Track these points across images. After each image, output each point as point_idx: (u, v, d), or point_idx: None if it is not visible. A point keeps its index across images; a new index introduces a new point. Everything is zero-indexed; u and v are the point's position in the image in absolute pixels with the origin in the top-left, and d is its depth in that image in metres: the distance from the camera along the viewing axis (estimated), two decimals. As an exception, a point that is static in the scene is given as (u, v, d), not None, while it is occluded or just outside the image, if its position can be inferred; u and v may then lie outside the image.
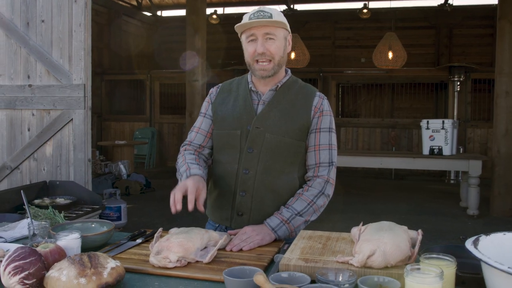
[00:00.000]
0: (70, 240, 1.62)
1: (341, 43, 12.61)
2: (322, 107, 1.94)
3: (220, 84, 2.09)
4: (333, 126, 1.98)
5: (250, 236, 1.77)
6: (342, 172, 10.21)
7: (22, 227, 1.92)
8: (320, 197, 1.91)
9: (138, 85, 12.65)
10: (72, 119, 3.78)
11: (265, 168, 1.91)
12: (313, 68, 10.92)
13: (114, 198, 6.33)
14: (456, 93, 9.83)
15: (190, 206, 1.70)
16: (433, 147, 6.73)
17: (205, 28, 8.64)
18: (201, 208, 1.75)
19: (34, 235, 1.79)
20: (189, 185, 1.74)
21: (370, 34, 11.96)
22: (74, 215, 3.03)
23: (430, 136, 6.77)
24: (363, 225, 1.65)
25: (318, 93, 1.97)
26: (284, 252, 1.65)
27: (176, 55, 11.20)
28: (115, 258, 1.58)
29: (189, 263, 1.59)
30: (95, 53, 11.58)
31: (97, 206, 3.33)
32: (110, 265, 1.41)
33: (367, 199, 8.09)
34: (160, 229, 1.79)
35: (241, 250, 1.72)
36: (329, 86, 11.03)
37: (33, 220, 1.92)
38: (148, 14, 13.59)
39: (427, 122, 6.88)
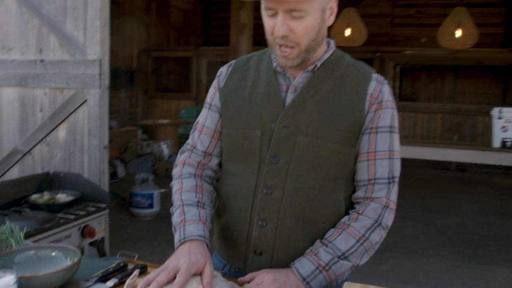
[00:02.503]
0: (-4, 289, 1.09)
1: (400, 21, 11.65)
2: (382, 96, 1.31)
3: (233, 61, 1.46)
4: (396, 123, 1.34)
5: None
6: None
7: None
8: (375, 230, 1.29)
9: (185, 63, 12.22)
10: (86, 100, 3.29)
11: (296, 187, 1.30)
12: (369, 48, 10.08)
13: (147, 184, 5.90)
14: (530, 77, 8.75)
15: None
16: (506, 140, 5.85)
17: (253, 3, 8.00)
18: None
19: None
20: (181, 267, 1.16)
21: (433, 11, 10.92)
22: (73, 216, 2.55)
23: (503, 127, 5.88)
24: None
25: (375, 75, 1.34)
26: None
27: (224, 32, 10.65)
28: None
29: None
30: (143, 29, 11.21)
31: (103, 205, 2.84)
32: None
33: (424, 193, 7.30)
34: (136, 272, 1.23)
35: (253, 311, 1.14)
36: (386, 67, 10.15)
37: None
38: (197, -11, 13.08)
39: (500, 110, 5.98)
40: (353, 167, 1.33)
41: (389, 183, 1.31)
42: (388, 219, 1.32)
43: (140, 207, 5.57)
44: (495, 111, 6.06)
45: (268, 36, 1.27)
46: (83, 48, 3.29)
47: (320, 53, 1.32)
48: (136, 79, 11.50)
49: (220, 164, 1.47)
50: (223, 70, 1.44)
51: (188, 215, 1.30)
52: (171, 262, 1.18)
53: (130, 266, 1.37)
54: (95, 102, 3.28)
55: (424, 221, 5.63)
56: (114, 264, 1.38)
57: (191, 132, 1.48)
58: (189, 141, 1.48)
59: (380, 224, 1.30)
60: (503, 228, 5.45)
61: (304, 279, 1.23)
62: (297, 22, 1.20)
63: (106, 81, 3.30)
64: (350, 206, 1.36)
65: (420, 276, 4.12)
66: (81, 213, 2.68)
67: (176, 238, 1.28)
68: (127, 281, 1.19)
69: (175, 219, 1.32)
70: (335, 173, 1.31)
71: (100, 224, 2.77)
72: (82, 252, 2.79)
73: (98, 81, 3.24)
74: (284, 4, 1.17)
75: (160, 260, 4.18)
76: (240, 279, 1.27)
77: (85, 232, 2.61)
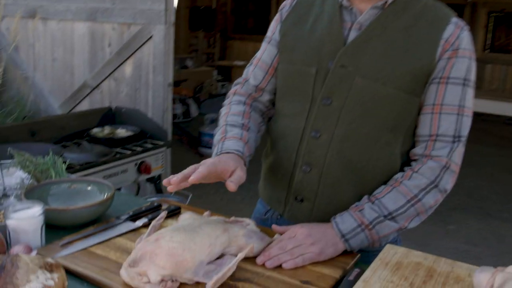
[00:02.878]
0: (21, 220, 1.08)
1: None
2: (459, 43, 1.13)
3: None
4: (473, 76, 1.16)
5: (300, 245, 1.08)
6: (478, 116, 8.80)
7: None
8: (430, 191, 1.14)
9: (265, 3, 11.93)
10: (152, 36, 3.25)
11: (346, 133, 1.18)
12: (460, -8, 9.27)
13: (216, 124, 5.89)
14: None
15: (175, 186, 1.05)
16: None
17: None
18: (231, 187, 1.07)
19: (5, 196, 1.29)
20: (208, 162, 1.10)
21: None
22: (130, 151, 2.56)
23: None
24: (496, 270, 0.87)
25: (454, 19, 1.16)
26: (347, 285, 0.95)
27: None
28: (65, 263, 1.01)
29: (182, 284, 0.97)
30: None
31: (161, 142, 2.83)
32: (31, 287, 0.84)
33: (508, 152, 6.79)
34: (163, 214, 1.17)
35: (280, 266, 1.05)
36: (478, 14, 9.32)
37: (19, 170, 1.41)
38: None
39: None
40: (416, 119, 1.18)
41: (453, 141, 1.14)
42: (448, 182, 1.15)
43: (208, 147, 5.62)
44: None
45: None
46: (150, -18, 3.22)
47: None
48: (215, 19, 11.44)
49: (272, 102, 1.39)
50: (287, 3, 1.34)
51: (230, 133, 1.25)
52: (200, 163, 1.11)
53: (164, 207, 1.32)
54: (160, 38, 3.24)
55: (502, 182, 5.26)
56: (148, 204, 1.34)
57: (247, 66, 1.41)
58: (243, 75, 1.41)
59: (436, 186, 1.14)
60: None
61: (343, 236, 1.12)
62: None
63: (172, 18, 3.23)
64: (407, 162, 1.21)
65: (490, 239, 3.87)
66: (138, 149, 2.70)
67: (213, 154, 1.22)
68: (153, 223, 1.14)
69: (217, 137, 1.28)
70: (393, 123, 1.17)
71: (157, 161, 2.79)
72: (139, 188, 2.84)
73: (163, 17, 3.18)
74: None
75: (212, 203, 4.21)
76: (274, 226, 1.19)
77: (141, 168, 2.64)
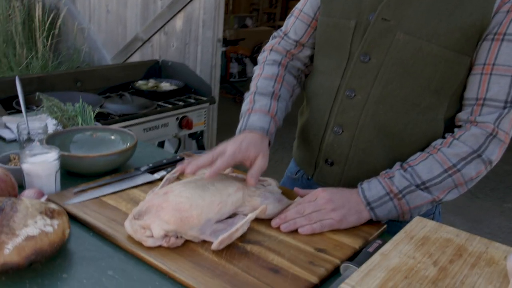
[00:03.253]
0: (35, 164, 1.06)
1: None
2: None
3: None
4: None
5: (320, 210, 1.00)
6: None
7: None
8: (472, 161, 1.01)
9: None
10: (203, -11, 3.18)
11: (384, 94, 1.07)
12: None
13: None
14: None
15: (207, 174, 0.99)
16: None
17: None
18: (251, 182, 1.02)
19: (29, 139, 1.28)
20: (227, 151, 1.02)
21: None
22: (171, 106, 2.53)
23: None
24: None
25: None
26: (365, 257, 0.86)
27: None
28: (74, 211, 0.99)
29: (187, 242, 0.91)
30: None
31: (205, 98, 2.77)
32: (27, 232, 0.81)
33: None
34: (179, 167, 1.12)
35: (296, 231, 0.98)
36: None
37: (46, 116, 1.40)
38: None
39: None
40: (464, 81, 1.05)
41: (504, 107, 1.00)
42: (494, 152, 1.02)
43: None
44: None
45: None
46: None
47: None
48: (278, -22, 11.17)
49: (311, 58, 1.29)
50: None
51: (258, 104, 1.17)
52: (219, 147, 1.04)
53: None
54: (211, -8, 3.16)
55: None
56: (170, 157, 1.29)
57: (287, 17, 1.31)
58: (283, 27, 1.31)
59: (479, 156, 1.01)
60: None
61: (368, 204, 1.02)
62: None
63: (224, -30, 3.13)
64: (452, 129, 1.09)
65: (551, 222, 3.61)
66: (181, 103, 2.66)
67: (238, 127, 1.15)
68: (167, 175, 1.09)
69: (244, 106, 1.20)
70: (438, 85, 1.04)
71: (199, 117, 2.75)
72: (179, 143, 2.82)
73: (215, -31, 3.09)
74: None
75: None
76: (296, 189, 1.11)
77: (183, 123, 2.61)
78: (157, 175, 1.18)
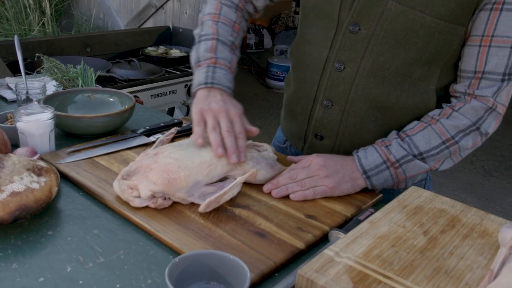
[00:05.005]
0: (29, 123, 1.05)
1: None
2: None
3: None
4: None
5: (313, 176, 0.98)
6: None
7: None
8: (470, 134, 0.98)
9: None
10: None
11: (374, 67, 1.02)
12: None
13: (285, 56, 5.74)
14: None
15: (233, 159, 0.95)
16: None
17: None
18: (252, 130, 1.01)
19: (27, 99, 1.27)
20: (231, 112, 1.00)
21: None
22: (180, 72, 2.50)
23: None
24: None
25: None
26: (355, 225, 0.84)
27: None
28: (65, 170, 0.98)
29: (175, 204, 0.90)
30: None
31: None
32: (13, 188, 0.80)
33: None
34: (173, 130, 1.10)
35: (287, 197, 0.96)
36: None
37: (43, 76, 1.39)
38: None
39: None
40: (458, 52, 1.00)
41: (503, 80, 0.96)
42: (491, 125, 0.99)
43: (275, 79, 5.49)
44: None
45: None
46: None
47: None
48: None
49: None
50: None
51: (221, 55, 1.11)
52: (205, 110, 1.01)
53: (185, 125, 1.26)
54: (225, -43, 3.09)
55: None
56: (169, 120, 1.28)
57: None
58: None
59: (478, 129, 0.98)
60: None
61: (365, 172, 0.99)
62: None
63: None
64: (444, 99, 1.05)
65: None
66: (190, 70, 2.63)
67: (202, 75, 1.08)
68: (161, 137, 1.08)
69: (203, 51, 1.11)
70: (430, 56, 0.99)
71: (209, 85, 2.71)
72: (188, 110, 2.80)
73: None
74: None
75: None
76: (289, 157, 1.08)
77: (191, 90, 2.57)
78: (152, 138, 1.17)
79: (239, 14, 1.19)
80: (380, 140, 1.03)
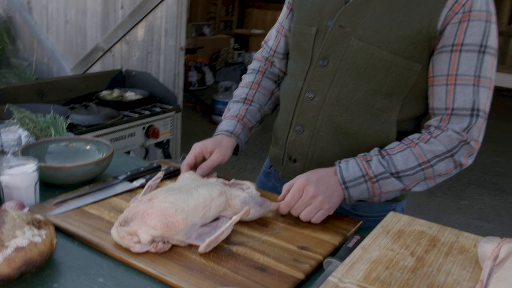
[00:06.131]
0: (14, 176, 1.05)
1: None
2: (471, 4, 1.03)
3: None
4: (493, 42, 1.05)
5: (310, 205, 1.04)
6: (501, 91, 8.56)
7: None
8: (444, 160, 1.07)
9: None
10: (164, -2, 3.18)
11: (339, 97, 1.14)
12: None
13: (230, 92, 5.84)
14: None
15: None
16: None
17: None
18: (198, 171, 1.20)
19: (2, 152, 1.27)
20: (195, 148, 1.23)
21: None
22: (137, 115, 2.52)
23: None
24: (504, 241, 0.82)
25: None
26: (346, 252, 0.91)
27: None
28: (57, 222, 0.99)
29: (174, 246, 0.94)
30: None
31: (170, 107, 2.78)
32: (16, 243, 0.81)
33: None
34: (159, 174, 1.14)
35: (276, 232, 1.01)
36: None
37: (17, 128, 1.39)
38: None
39: None
40: (418, 86, 1.11)
41: (471, 115, 1.06)
42: (463, 156, 1.08)
43: (221, 115, 5.55)
44: None
45: None
46: None
47: None
48: (234, -14, 11.23)
49: (281, 66, 1.41)
50: None
51: (230, 112, 1.34)
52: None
53: (164, 168, 1.29)
54: (173, 1, 3.17)
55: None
56: (147, 164, 1.31)
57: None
58: (267, 34, 1.45)
59: (452, 156, 1.07)
60: None
61: (344, 183, 1.07)
62: None
63: (185, -21, 3.15)
64: (408, 129, 1.16)
65: (504, 216, 3.80)
66: (147, 112, 2.66)
67: (219, 127, 1.31)
68: (149, 183, 1.11)
69: (225, 112, 1.37)
70: (389, 89, 1.10)
71: (165, 126, 2.76)
72: (147, 152, 2.82)
73: (176, -22, 3.10)
74: None
75: (223, 170, 4.20)
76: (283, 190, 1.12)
77: (149, 132, 2.61)
78: (136, 183, 1.19)
79: (259, 75, 1.41)
80: (362, 154, 1.11)
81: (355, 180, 1.07)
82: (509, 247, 0.77)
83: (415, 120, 1.18)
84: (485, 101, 1.06)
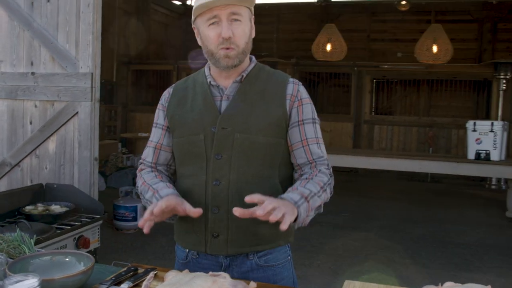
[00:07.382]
0: (22, 290, 1.15)
1: (376, 36, 11.91)
2: (300, 95, 1.60)
3: (173, 85, 1.72)
4: (316, 116, 1.63)
5: (279, 207, 1.33)
6: (373, 173, 9.60)
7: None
8: (328, 187, 1.54)
9: (165, 76, 12.24)
10: (77, 113, 3.35)
11: (238, 176, 1.53)
12: (346, 62, 10.30)
13: (130, 197, 5.92)
14: (501, 92, 9.06)
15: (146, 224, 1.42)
16: (480, 152, 6.09)
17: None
18: (192, 212, 1.44)
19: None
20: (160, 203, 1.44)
21: (408, 27, 11.23)
22: (69, 227, 2.59)
23: (477, 139, 6.12)
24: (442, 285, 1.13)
25: (291, 79, 1.63)
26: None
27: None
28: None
29: (186, 332, 1.11)
30: (122, 42, 11.23)
31: (98, 216, 2.88)
32: None
33: (401, 204, 7.49)
34: (152, 274, 1.31)
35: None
36: (363, 81, 10.38)
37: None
38: (178, 3, 13.14)
39: (474, 123, 6.22)
40: (286, 155, 1.58)
41: (326, 161, 1.59)
42: (332, 187, 1.56)
43: (123, 220, 5.57)
44: (470, 124, 6.31)
45: (211, 46, 1.52)
46: (75, 61, 3.35)
47: (245, 65, 1.58)
48: (116, 92, 11.49)
49: (167, 169, 1.70)
50: (166, 93, 1.70)
51: (158, 186, 1.56)
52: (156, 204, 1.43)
53: (140, 270, 1.45)
54: (86, 114, 3.34)
55: (400, 231, 5.79)
56: (125, 268, 1.45)
57: (145, 148, 1.72)
58: (142, 155, 1.71)
59: (329, 185, 1.54)
60: (476, 237, 5.65)
61: (296, 203, 1.40)
62: (236, 26, 1.49)
63: (97, 94, 3.36)
64: (286, 187, 1.53)
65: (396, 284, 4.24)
66: (77, 223, 2.72)
67: (154, 202, 1.49)
68: (144, 283, 1.27)
69: (148, 196, 1.57)
70: (269, 161, 1.55)
71: (94, 235, 2.82)
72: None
73: (89, 94, 3.30)
74: (227, 8, 1.46)
75: (141, 260, 4.21)
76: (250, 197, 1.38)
77: (80, 242, 2.66)
78: (124, 286, 1.33)
79: (155, 172, 1.66)
80: (291, 188, 1.48)
81: (299, 201, 1.42)
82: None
83: (289, 179, 1.61)
84: (325, 151, 1.60)
